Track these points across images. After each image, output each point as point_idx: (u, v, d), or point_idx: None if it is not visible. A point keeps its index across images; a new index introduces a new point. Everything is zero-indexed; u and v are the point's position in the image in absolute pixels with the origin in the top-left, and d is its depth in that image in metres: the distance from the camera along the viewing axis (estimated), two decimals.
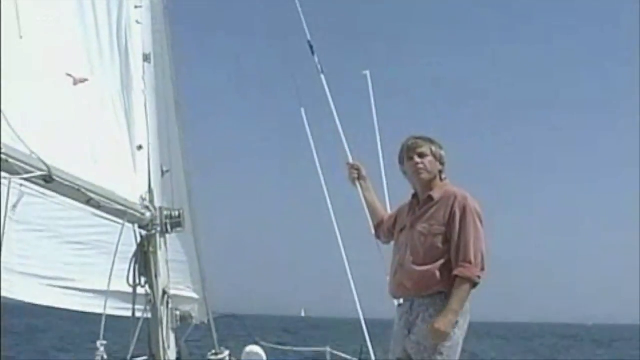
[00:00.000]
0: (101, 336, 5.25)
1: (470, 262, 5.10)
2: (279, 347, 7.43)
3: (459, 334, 5.17)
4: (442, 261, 5.18)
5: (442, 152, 5.43)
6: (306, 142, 5.97)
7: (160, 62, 6.17)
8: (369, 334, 5.51)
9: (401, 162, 5.50)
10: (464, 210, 5.19)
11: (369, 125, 5.98)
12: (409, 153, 5.41)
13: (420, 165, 5.35)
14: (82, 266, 6.63)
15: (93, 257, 6.68)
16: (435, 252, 5.20)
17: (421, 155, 5.36)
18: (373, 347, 5.51)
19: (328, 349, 7.29)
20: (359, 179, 5.82)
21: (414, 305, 5.24)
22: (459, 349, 5.18)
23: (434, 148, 5.40)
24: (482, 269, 5.16)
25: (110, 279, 5.48)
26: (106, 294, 6.56)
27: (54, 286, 6.52)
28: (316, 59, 6.12)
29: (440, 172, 5.42)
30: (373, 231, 5.75)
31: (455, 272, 5.12)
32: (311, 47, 6.15)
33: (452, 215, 5.19)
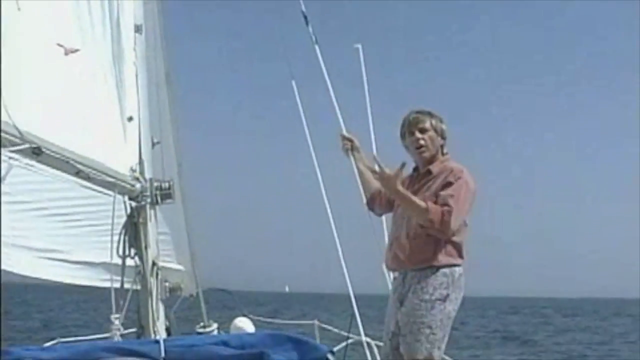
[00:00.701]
0: (113, 309, 5.23)
1: (441, 209, 5.06)
2: (268, 319, 7.45)
3: (450, 308, 5.14)
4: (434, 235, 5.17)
5: (444, 126, 5.40)
6: (297, 115, 5.95)
7: (151, 34, 6.14)
8: (357, 307, 5.50)
9: (402, 136, 5.46)
10: (457, 179, 5.18)
11: (360, 99, 5.97)
12: (410, 128, 5.38)
13: (422, 142, 5.33)
14: (70, 237, 6.62)
15: (80, 228, 6.68)
16: None
17: (422, 131, 5.34)
18: (361, 320, 5.51)
19: (316, 322, 7.31)
20: (352, 150, 5.81)
21: (406, 278, 5.25)
22: (450, 324, 5.17)
23: (434, 122, 5.37)
24: (445, 224, 5.06)
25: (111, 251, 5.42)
26: (95, 265, 6.61)
27: (42, 258, 6.51)
28: (310, 30, 6.09)
29: (442, 146, 5.40)
30: (365, 202, 5.73)
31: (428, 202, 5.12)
32: (305, 17, 6.11)
33: (445, 184, 5.19)
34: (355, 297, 5.54)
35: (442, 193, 5.13)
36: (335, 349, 5.58)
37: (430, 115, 5.39)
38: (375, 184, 5.70)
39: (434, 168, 5.33)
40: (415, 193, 5.26)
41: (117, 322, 5.41)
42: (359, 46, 6.04)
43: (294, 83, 5.96)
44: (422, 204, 5.11)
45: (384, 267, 5.53)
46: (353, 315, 5.45)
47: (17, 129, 4.66)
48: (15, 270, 6.27)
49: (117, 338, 5.51)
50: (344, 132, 5.85)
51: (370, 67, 6.07)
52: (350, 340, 6.07)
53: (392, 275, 5.44)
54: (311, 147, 5.86)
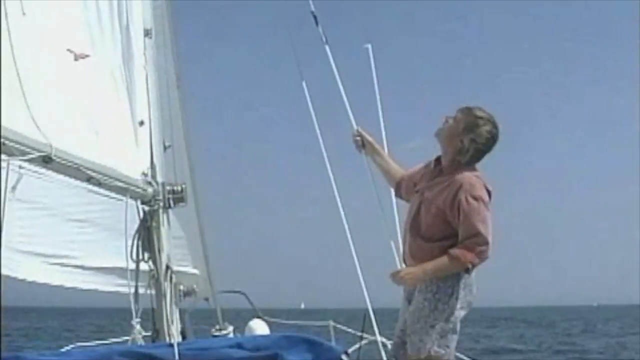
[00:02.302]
0: (133, 314, 5.23)
1: (467, 247, 4.97)
2: (283, 321, 7.43)
3: (456, 306, 5.05)
4: (435, 240, 5.09)
5: (481, 129, 5.07)
6: (308, 116, 5.93)
7: (161, 37, 6.14)
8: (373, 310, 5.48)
9: None
10: (470, 199, 4.99)
11: (371, 99, 5.94)
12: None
13: (440, 125, 5.18)
14: (84, 243, 6.64)
15: (95, 234, 6.69)
16: (432, 230, 5.10)
17: (448, 119, 5.16)
18: (376, 320, 5.49)
19: (331, 323, 7.28)
20: (363, 146, 5.74)
21: None
22: (457, 324, 5.08)
23: (461, 115, 5.11)
24: (482, 257, 5.01)
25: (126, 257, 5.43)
26: (109, 270, 6.62)
27: (56, 264, 6.53)
28: (320, 30, 6.05)
29: (469, 153, 5.10)
30: (393, 192, 5.60)
31: (450, 250, 5.00)
32: (315, 17, 6.08)
33: (455, 201, 5.02)
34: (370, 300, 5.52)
35: (462, 227, 4.98)
36: (350, 350, 5.57)
37: (466, 110, 5.14)
38: (397, 171, 5.63)
39: (447, 168, 5.16)
40: (426, 189, 5.18)
41: (138, 326, 5.43)
42: (369, 46, 6.01)
43: (304, 84, 5.94)
44: (448, 262, 4.98)
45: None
46: (367, 315, 5.42)
47: (26, 137, 4.68)
48: (28, 278, 6.29)
49: (140, 342, 5.53)
50: (355, 128, 5.80)
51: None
52: (364, 341, 6.05)
53: None
54: (323, 149, 5.84)
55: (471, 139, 5.09)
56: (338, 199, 5.64)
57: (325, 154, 5.82)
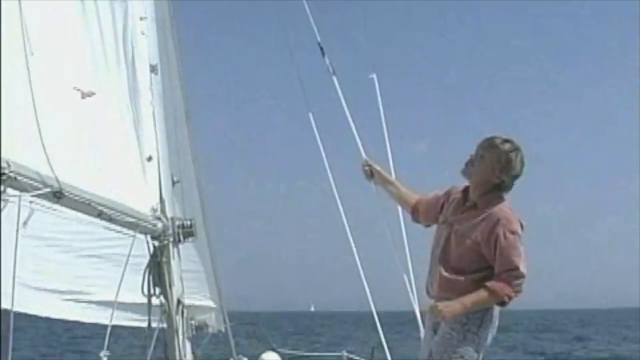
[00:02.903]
0: (105, 347, 5.24)
1: (504, 280, 5.01)
2: (296, 352, 7.42)
3: (483, 336, 5.11)
4: (469, 273, 5.11)
5: (509, 167, 5.09)
6: (315, 146, 5.97)
7: (167, 72, 6.17)
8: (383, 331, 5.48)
9: None
10: (510, 234, 5.03)
11: (377, 129, 5.98)
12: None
13: (466, 164, 5.20)
14: (97, 279, 6.66)
15: (108, 269, 6.70)
16: (464, 263, 5.12)
17: (474, 156, 5.16)
18: (387, 342, 5.50)
19: (345, 354, 7.28)
20: (372, 175, 5.76)
21: None
22: (482, 354, 5.12)
23: (487, 154, 5.09)
24: (518, 291, 5.05)
25: (119, 289, 5.47)
26: (114, 304, 6.63)
27: (69, 300, 6.57)
28: (327, 61, 6.08)
29: (499, 186, 5.14)
30: (410, 217, 5.63)
31: (487, 284, 5.04)
32: (322, 48, 6.11)
33: (492, 235, 5.04)
34: (380, 318, 5.53)
35: (499, 261, 5.01)
36: None
37: (490, 147, 5.11)
38: (412, 196, 5.65)
39: (481, 203, 5.14)
40: (457, 222, 5.18)
41: (105, 358, 5.41)
42: (374, 76, 6.04)
43: (311, 115, 5.98)
44: (487, 296, 5.02)
45: (406, 280, 5.51)
46: (378, 345, 5.43)
47: (38, 173, 4.71)
48: (42, 314, 6.31)
49: None
50: (364, 158, 5.82)
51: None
52: None
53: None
54: (329, 172, 5.88)
55: (510, 175, 5.14)
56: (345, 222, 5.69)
57: (331, 179, 5.87)
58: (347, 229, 5.75)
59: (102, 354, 5.28)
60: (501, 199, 5.16)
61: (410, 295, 5.57)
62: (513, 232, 5.03)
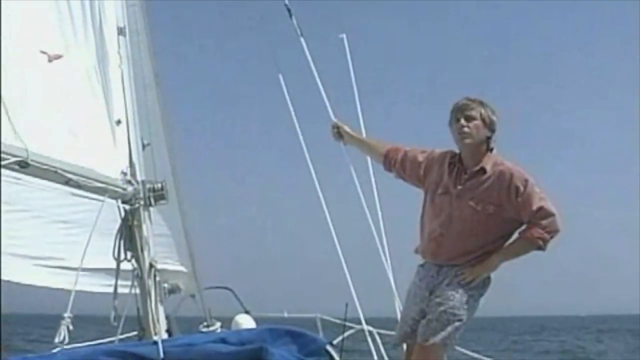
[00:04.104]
0: (68, 309, 5.20)
1: (535, 225, 5.05)
2: (270, 314, 7.45)
3: (479, 304, 5.21)
4: (493, 240, 5.15)
5: (494, 118, 5.17)
6: (287, 110, 5.95)
7: (135, 35, 6.12)
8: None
9: (450, 123, 5.24)
10: (526, 183, 5.07)
11: (348, 90, 5.96)
12: (457, 114, 5.17)
13: (466, 129, 5.12)
14: (69, 245, 6.61)
15: (80, 235, 6.65)
16: (487, 231, 5.13)
17: (468, 118, 5.12)
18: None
19: (318, 315, 7.32)
20: (341, 136, 5.76)
21: (441, 270, 5.20)
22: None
23: (483, 111, 5.14)
24: (551, 231, 5.06)
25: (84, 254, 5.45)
26: (95, 271, 6.60)
27: (42, 265, 6.52)
28: (295, 22, 6.06)
29: (489, 139, 5.19)
30: (382, 165, 5.61)
31: (520, 233, 5.12)
32: (289, 10, 6.09)
33: (512, 190, 5.06)
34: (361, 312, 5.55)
35: (533, 208, 5.02)
36: (335, 341, 5.58)
37: (481, 104, 5.17)
38: (382, 145, 5.63)
39: (487, 165, 5.14)
40: (466, 192, 5.15)
41: (68, 319, 5.33)
42: (344, 36, 6.02)
43: (281, 77, 5.95)
44: (527, 244, 5.10)
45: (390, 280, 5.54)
46: (350, 302, 5.46)
47: (2, 143, 4.67)
48: (14, 279, 6.27)
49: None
50: (333, 120, 5.82)
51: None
52: (351, 331, 6.07)
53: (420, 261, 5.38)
54: (304, 146, 5.87)
55: (491, 130, 5.21)
56: (323, 201, 5.69)
57: (305, 147, 5.86)
58: (331, 224, 5.73)
59: (66, 314, 5.23)
60: (493, 154, 5.20)
61: (396, 302, 5.59)
62: (527, 180, 5.07)
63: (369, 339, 5.63)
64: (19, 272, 6.36)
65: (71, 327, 5.12)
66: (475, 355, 6.64)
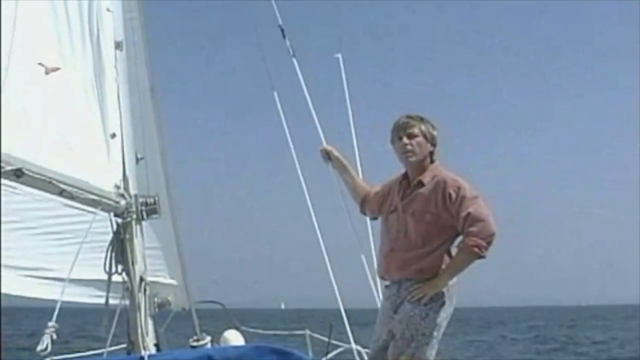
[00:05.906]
0: (54, 319, 5.19)
1: (469, 233, 5.09)
2: (258, 331, 7.45)
3: (443, 315, 5.18)
4: (435, 248, 5.19)
5: (435, 133, 5.32)
6: (281, 127, 5.99)
7: (132, 50, 6.14)
8: (347, 316, 5.53)
9: (392, 142, 5.37)
10: (458, 190, 5.15)
11: (342, 107, 6.00)
12: (398, 133, 5.30)
13: (409, 147, 5.25)
14: (61, 256, 6.61)
15: (71, 246, 6.67)
16: (427, 239, 5.18)
17: (410, 136, 5.25)
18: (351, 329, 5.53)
19: (307, 332, 7.32)
20: (330, 159, 5.81)
21: (401, 287, 5.24)
22: (441, 332, 5.18)
23: (424, 127, 5.28)
24: (486, 236, 5.09)
25: (73, 266, 5.45)
26: (86, 282, 6.60)
27: (33, 277, 6.52)
28: (287, 43, 6.12)
29: (432, 153, 5.32)
30: (358, 207, 5.72)
31: (459, 245, 5.15)
32: (282, 30, 6.15)
33: (446, 197, 5.15)
34: (345, 310, 5.57)
35: (462, 217, 5.09)
36: (323, 359, 5.60)
37: (421, 120, 5.31)
38: (364, 188, 5.72)
39: (425, 178, 5.26)
40: (408, 205, 5.25)
41: (52, 328, 5.31)
42: (339, 55, 6.06)
43: (275, 94, 5.99)
44: (465, 256, 5.14)
45: (369, 278, 5.56)
46: (340, 323, 5.47)
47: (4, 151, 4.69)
48: (3, 290, 6.27)
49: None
50: (323, 145, 5.86)
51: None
52: (339, 350, 6.08)
53: (384, 282, 5.42)
54: (295, 159, 5.89)
55: (433, 144, 5.35)
56: (313, 214, 5.71)
57: (296, 161, 5.90)
58: (316, 223, 5.77)
59: (50, 324, 5.22)
60: (437, 167, 5.32)
61: (374, 289, 5.60)
62: (460, 187, 5.14)
63: (357, 359, 5.64)
64: (10, 284, 6.37)
65: (55, 337, 5.10)
66: None
